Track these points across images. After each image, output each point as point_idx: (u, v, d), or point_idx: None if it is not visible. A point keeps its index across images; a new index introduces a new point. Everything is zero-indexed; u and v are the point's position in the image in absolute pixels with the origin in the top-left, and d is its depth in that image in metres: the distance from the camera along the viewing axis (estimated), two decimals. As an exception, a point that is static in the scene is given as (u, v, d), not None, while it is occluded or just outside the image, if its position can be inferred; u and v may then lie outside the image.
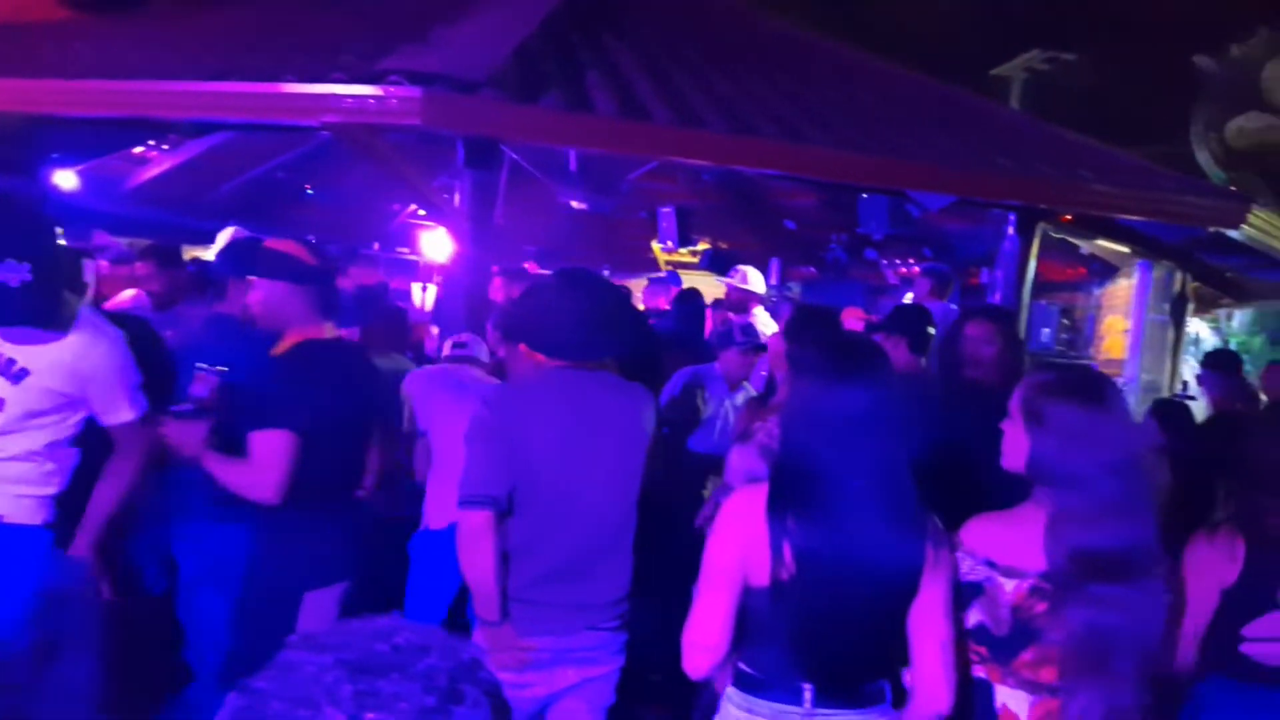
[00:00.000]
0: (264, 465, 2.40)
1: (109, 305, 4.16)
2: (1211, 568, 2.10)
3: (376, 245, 7.91)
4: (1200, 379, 5.15)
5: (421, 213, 7.32)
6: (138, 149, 6.62)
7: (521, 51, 4.43)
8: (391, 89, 3.62)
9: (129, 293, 4.74)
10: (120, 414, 2.50)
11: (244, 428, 2.43)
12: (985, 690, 1.86)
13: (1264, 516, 2.08)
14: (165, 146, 6.61)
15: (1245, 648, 2.09)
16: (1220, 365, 5.03)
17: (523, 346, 2.46)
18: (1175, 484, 3.30)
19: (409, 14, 4.96)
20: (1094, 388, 1.89)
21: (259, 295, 2.57)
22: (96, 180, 6.46)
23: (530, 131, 4.07)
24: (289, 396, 2.45)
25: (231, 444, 2.48)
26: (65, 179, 6.03)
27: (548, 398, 2.33)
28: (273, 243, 2.64)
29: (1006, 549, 1.84)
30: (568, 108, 4.09)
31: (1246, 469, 2.18)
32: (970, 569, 1.86)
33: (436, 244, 6.61)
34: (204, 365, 2.71)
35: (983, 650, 1.86)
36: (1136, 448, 1.83)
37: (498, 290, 5.45)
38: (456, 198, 4.22)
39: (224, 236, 4.53)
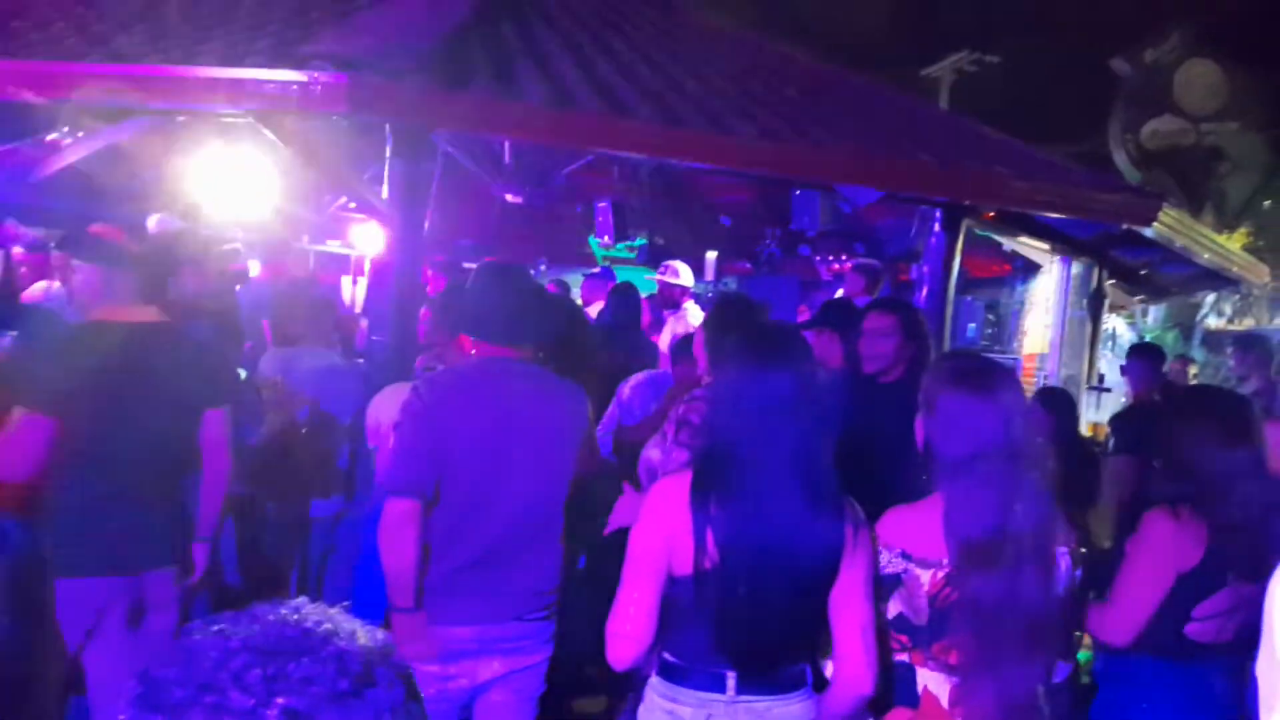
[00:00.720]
0: (13, 443, 2.40)
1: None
2: (1174, 550, 2.12)
3: (305, 237, 7.72)
4: (1125, 370, 5.42)
5: (351, 205, 7.18)
6: (50, 135, 6.33)
7: (451, 39, 4.37)
8: (316, 74, 3.53)
9: (41, 285, 4.57)
10: None
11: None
12: (907, 673, 1.89)
13: (1219, 507, 2.11)
14: (80, 133, 6.34)
15: (1189, 627, 2.14)
16: (1143, 357, 5.33)
17: (462, 337, 2.46)
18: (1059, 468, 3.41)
19: (335, -1, 4.86)
20: (981, 375, 1.89)
21: (79, 278, 2.59)
22: (5, 168, 6.16)
23: (459, 119, 4.02)
24: (42, 376, 2.45)
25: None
26: (-30, 166, 5.75)
27: (478, 387, 2.34)
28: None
29: (919, 540, 1.86)
30: (497, 96, 4.04)
31: (1194, 461, 2.18)
32: (887, 562, 1.89)
33: (367, 236, 6.49)
34: None
35: (904, 639, 1.89)
36: (1019, 434, 1.83)
37: (431, 285, 5.37)
38: (385, 188, 4.14)
39: (152, 223, 4.39)
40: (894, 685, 1.90)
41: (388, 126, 4.08)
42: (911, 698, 1.88)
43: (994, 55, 17.10)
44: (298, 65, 3.64)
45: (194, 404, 2.65)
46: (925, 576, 1.84)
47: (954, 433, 1.84)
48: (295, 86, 3.57)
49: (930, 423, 1.89)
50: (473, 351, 2.47)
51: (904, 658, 1.89)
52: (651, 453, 2.84)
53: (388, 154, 4.12)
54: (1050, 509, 1.85)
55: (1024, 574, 1.78)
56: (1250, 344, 5.29)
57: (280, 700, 0.69)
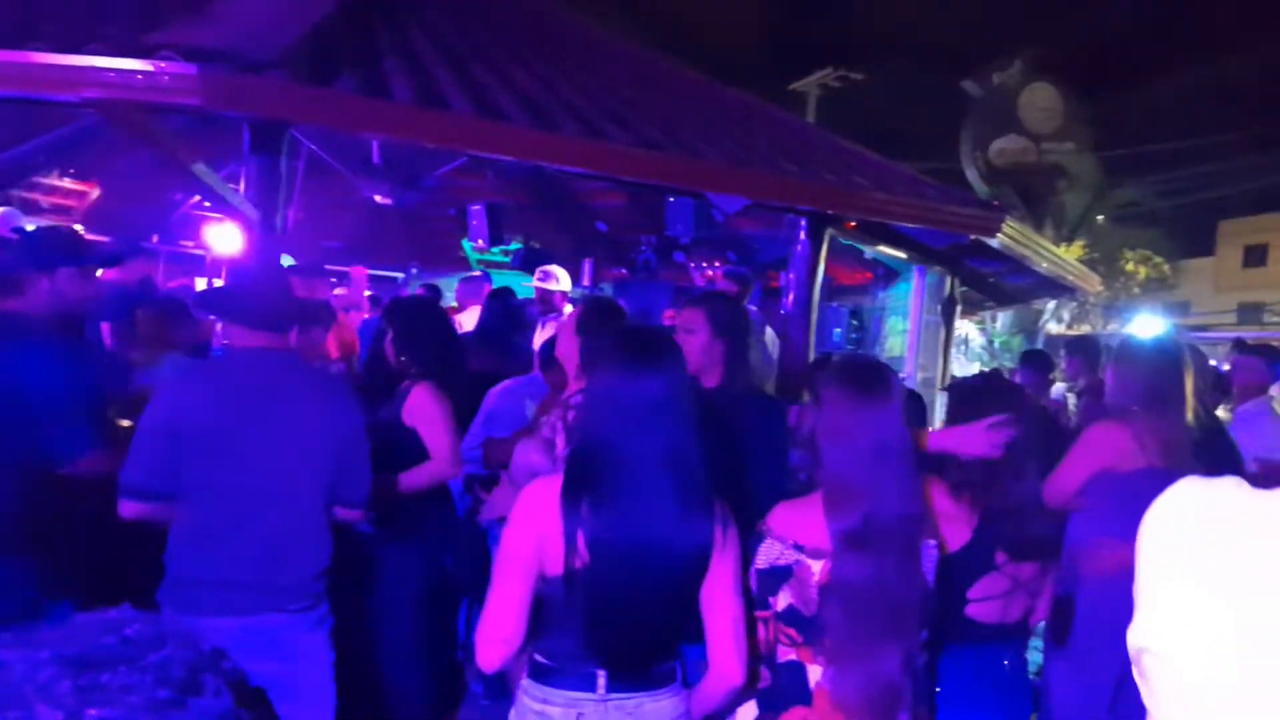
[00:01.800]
0: None
1: None
2: (950, 524, 2.28)
3: (155, 238, 7.28)
4: (1015, 374, 5.77)
5: (206, 204, 6.83)
6: None
7: (315, 33, 4.22)
8: (163, 64, 3.34)
9: None
10: None
11: None
12: (798, 671, 1.93)
13: (989, 489, 2.30)
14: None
15: (969, 609, 2.30)
16: (1034, 363, 5.74)
17: (225, 328, 2.57)
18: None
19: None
20: (864, 375, 2.00)
21: None
22: None
23: (320, 116, 3.87)
24: None
25: None
26: None
27: (224, 380, 2.41)
28: None
29: (809, 531, 1.93)
30: (362, 93, 3.93)
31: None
32: (780, 553, 1.93)
33: (223, 237, 6.20)
34: None
35: (792, 632, 1.93)
36: (895, 431, 1.93)
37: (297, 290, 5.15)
38: (241, 186, 3.95)
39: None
40: (783, 683, 1.94)
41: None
42: (804, 695, 1.93)
43: (858, 73, 17.91)
44: (144, 54, 3.43)
45: None
46: (816, 567, 1.90)
47: (836, 427, 1.93)
48: (140, 76, 3.36)
49: (817, 417, 1.98)
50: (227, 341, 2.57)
51: (793, 655, 1.94)
52: (533, 456, 2.80)
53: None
54: (919, 501, 1.96)
55: (892, 562, 1.87)
56: (1078, 347, 5.75)
57: (93, 712, 0.66)
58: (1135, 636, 0.87)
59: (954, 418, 2.47)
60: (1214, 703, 0.79)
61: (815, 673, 1.92)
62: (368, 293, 7.91)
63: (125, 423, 3.52)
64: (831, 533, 1.89)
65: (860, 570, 1.86)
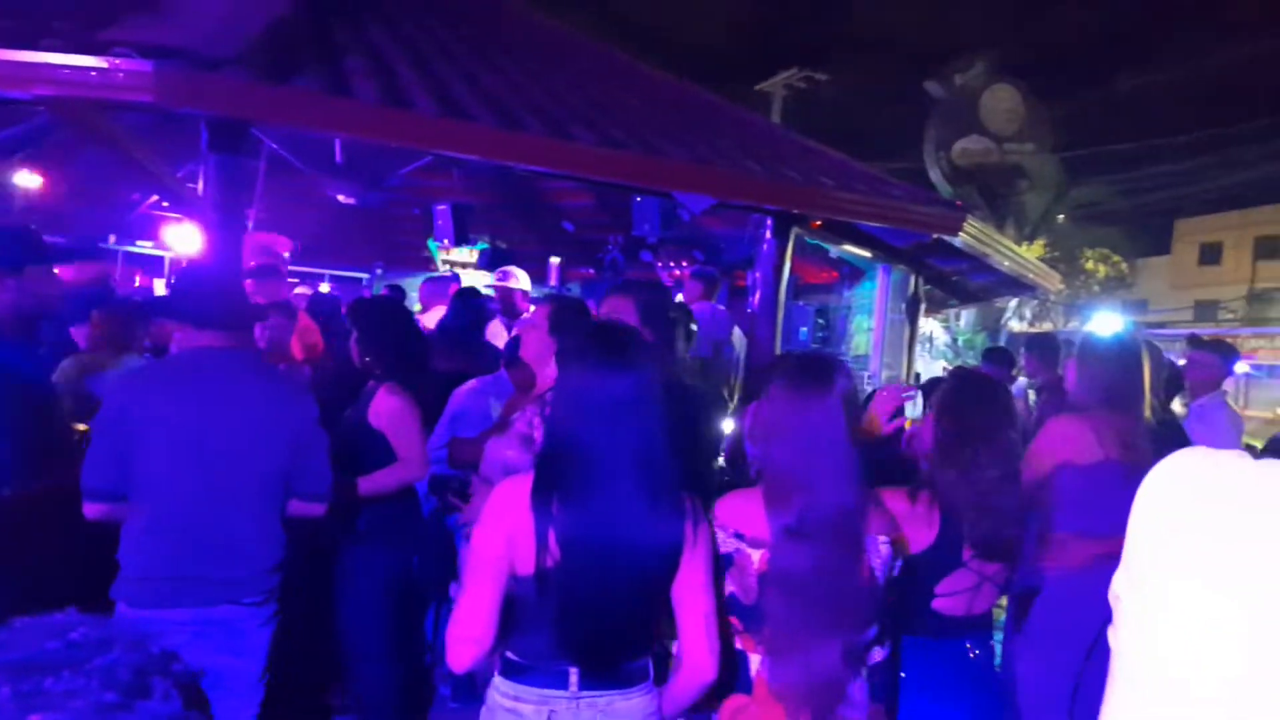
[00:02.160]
0: None
1: None
2: (910, 525, 2.28)
3: (113, 238, 7.14)
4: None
5: (165, 203, 6.71)
6: None
7: (274, 30, 4.16)
8: (118, 61, 3.27)
9: None
10: None
11: None
12: (740, 659, 1.95)
13: (951, 489, 2.31)
14: None
15: (936, 603, 2.32)
16: (996, 360, 5.78)
17: (176, 329, 2.55)
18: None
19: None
20: (809, 371, 2.00)
21: None
22: None
23: (280, 114, 3.81)
24: None
25: None
26: None
27: (174, 379, 2.43)
28: None
29: (751, 521, 1.94)
30: (323, 91, 3.88)
31: (936, 445, 2.40)
32: (723, 541, 1.96)
33: (182, 237, 6.09)
34: None
35: (734, 620, 1.95)
36: (838, 425, 1.94)
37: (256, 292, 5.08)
38: (200, 185, 3.87)
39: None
40: (734, 671, 1.96)
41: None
42: (744, 684, 1.94)
43: (823, 74, 18.06)
44: (99, 51, 3.36)
45: None
46: (756, 556, 1.92)
47: (777, 421, 1.94)
48: (94, 73, 3.29)
49: (763, 409, 1.99)
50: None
51: (737, 643, 1.96)
52: (508, 452, 2.79)
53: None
54: (861, 495, 1.96)
55: (831, 554, 1.88)
56: (1035, 344, 5.85)
57: (35, 718, 0.64)
58: (1117, 585, 0.88)
59: (947, 415, 2.46)
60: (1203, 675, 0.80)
61: (756, 661, 1.94)
62: (326, 288, 7.81)
63: (81, 427, 3.46)
64: (771, 524, 1.91)
65: (798, 561, 1.88)
